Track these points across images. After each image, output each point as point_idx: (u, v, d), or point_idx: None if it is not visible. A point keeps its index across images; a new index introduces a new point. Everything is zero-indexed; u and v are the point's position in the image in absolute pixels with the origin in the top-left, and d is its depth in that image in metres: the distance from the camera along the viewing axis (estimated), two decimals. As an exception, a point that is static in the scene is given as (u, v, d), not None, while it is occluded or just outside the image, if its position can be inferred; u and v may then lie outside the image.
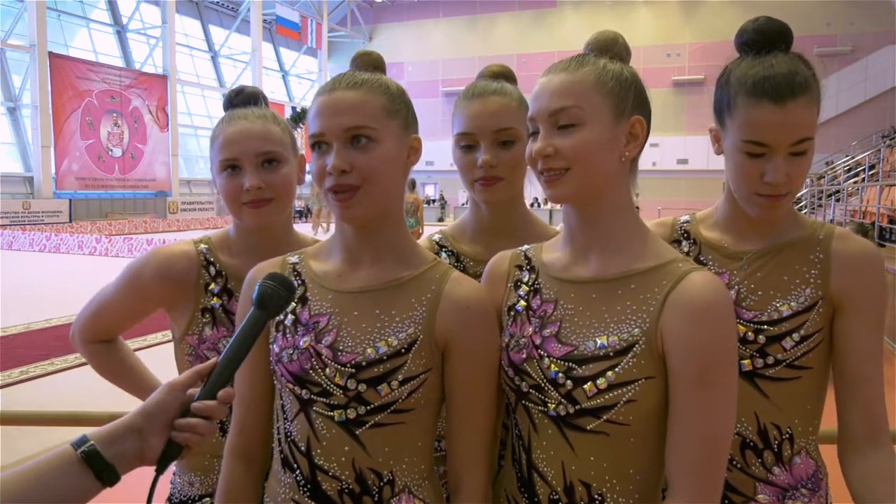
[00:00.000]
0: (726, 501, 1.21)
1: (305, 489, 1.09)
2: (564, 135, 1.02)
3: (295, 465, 1.10)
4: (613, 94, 1.03)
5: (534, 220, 1.46)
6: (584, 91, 1.02)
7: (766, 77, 1.14)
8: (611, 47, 1.08)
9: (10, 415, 2.17)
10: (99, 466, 0.87)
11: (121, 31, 27.25)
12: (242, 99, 1.43)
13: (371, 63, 1.16)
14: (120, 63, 26.62)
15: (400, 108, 1.12)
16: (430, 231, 1.84)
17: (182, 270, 1.38)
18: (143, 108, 26.22)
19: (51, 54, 22.32)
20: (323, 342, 1.09)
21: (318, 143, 1.09)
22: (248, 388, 1.18)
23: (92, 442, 0.88)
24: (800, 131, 1.14)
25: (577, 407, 1.01)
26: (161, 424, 0.92)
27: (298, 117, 25.73)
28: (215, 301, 1.37)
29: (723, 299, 0.98)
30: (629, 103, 1.04)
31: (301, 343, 1.10)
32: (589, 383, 1.00)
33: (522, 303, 1.13)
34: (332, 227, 1.35)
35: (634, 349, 1.00)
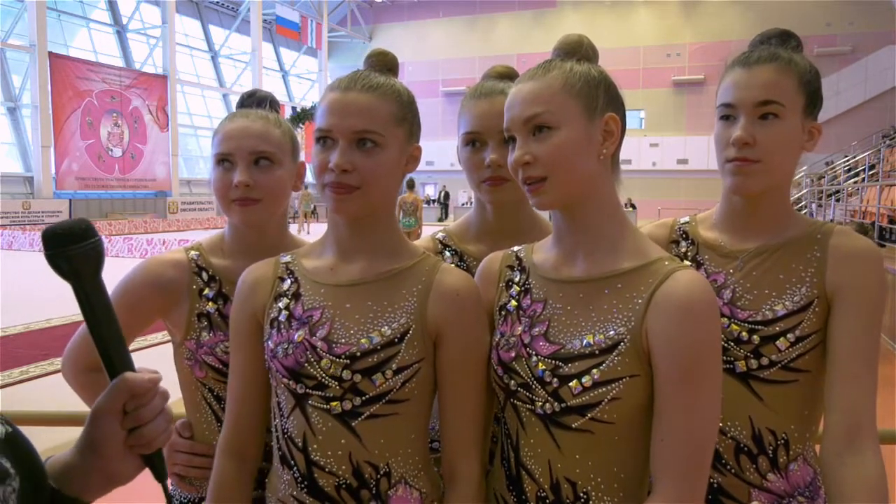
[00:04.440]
0: None
1: (303, 485, 1.10)
2: (541, 140, 1.04)
3: (292, 462, 1.11)
4: (583, 94, 1.05)
5: (539, 221, 1.45)
6: (554, 95, 1.04)
7: (745, 52, 1.26)
8: (577, 50, 1.10)
9: (10, 415, 2.15)
10: None
11: (121, 31, 27.24)
12: (253, 101, 1.44)
13: (386, 64, 1.19)
14: (120, 63, 26.60)
15: (407, 116, 1.16)
16: (429, 231, 1.84)
17: (173, 278, 1.38)
18: (143, 108, 26.21)
19: (51, 54, 22.32)
20: (317, 335, 1.11)
21: (323, 138, 1.12)
22: (242, 385, 1.19)
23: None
24: (764, 92, 1.18)
25: (563, 405, 1.03)
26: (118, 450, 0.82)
27: (299, 117, 25.74)
28: (210, 306, 1.37)
29: (707, 298, 0.99)
30: (600, 101, 1.06)
31: (295, 337, 1.12)
32: (574, 381, 1.02)
33: (513, 302, 1.14)
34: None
35: (619, 347, 1.01)
